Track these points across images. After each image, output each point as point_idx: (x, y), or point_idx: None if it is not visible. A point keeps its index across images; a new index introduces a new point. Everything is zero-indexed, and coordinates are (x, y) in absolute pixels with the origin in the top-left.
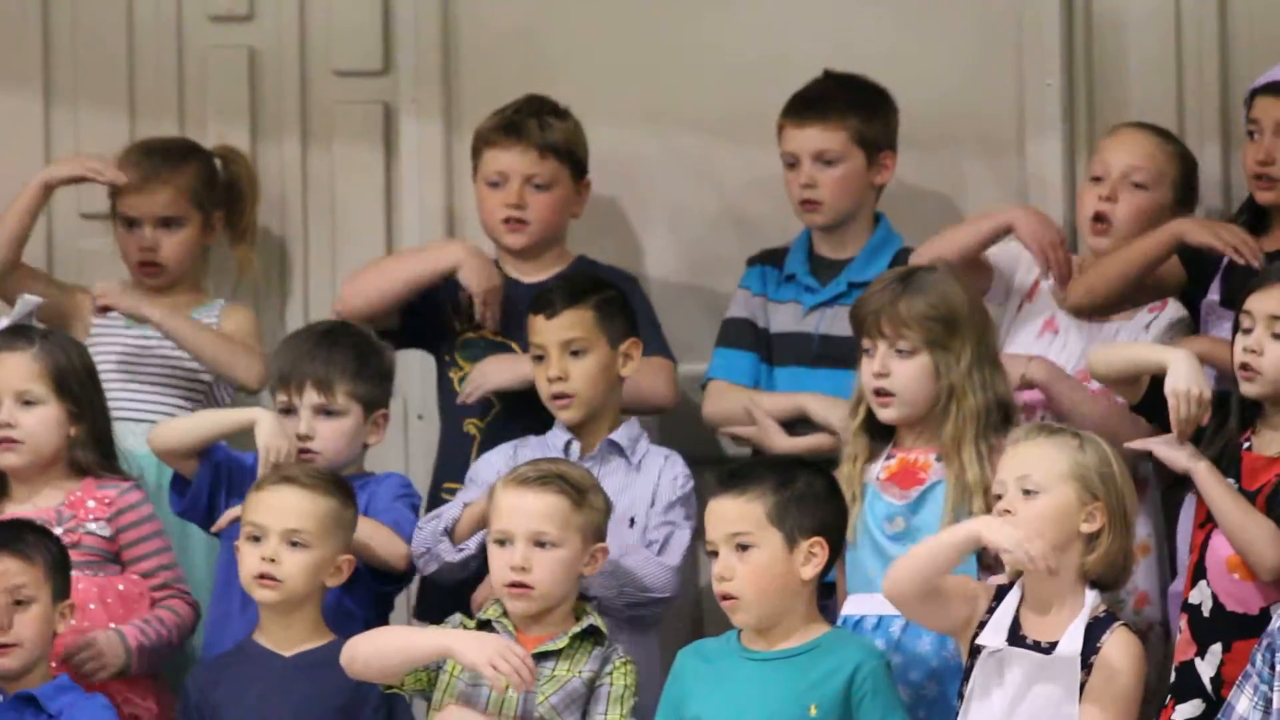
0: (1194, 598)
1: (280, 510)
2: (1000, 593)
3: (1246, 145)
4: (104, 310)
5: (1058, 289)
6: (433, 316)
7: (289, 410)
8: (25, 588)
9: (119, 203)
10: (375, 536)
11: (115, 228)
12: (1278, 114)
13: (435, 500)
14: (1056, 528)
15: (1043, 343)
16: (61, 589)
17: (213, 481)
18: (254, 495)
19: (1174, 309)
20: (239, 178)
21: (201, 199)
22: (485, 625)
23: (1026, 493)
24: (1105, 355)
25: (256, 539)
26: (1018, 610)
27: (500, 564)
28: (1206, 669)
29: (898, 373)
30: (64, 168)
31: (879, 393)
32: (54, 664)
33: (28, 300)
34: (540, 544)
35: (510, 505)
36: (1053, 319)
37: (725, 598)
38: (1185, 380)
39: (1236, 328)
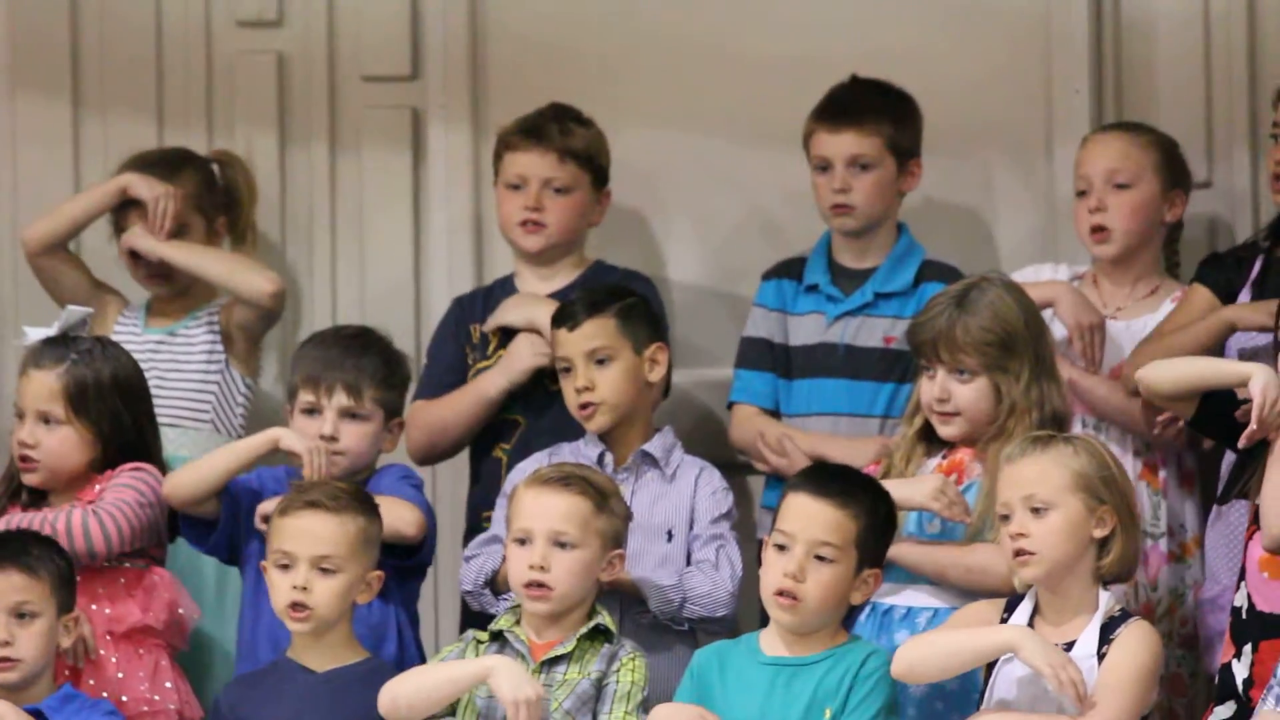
0: (1238, 600)
1: (308, 537)
2: (1010, 604)
3: (1270, 148)
4: (132, 256)
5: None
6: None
7: (313, 410)
8: (30, 603)
9: (122, 219)
10: (381, 506)
11: (120, 245)
12: None
13: (476, 529)
14: (1071, 541)
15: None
16: (66, 602)
17: (232, 515)
18: (279, 521)
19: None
20: (236, 181)
21: (203, 205)
22: (498, 636)
23: (1035, 511)
24: (1172, 372)
25: (285, 566)
26: (1032, 617)
27: (519, 563)
28: (1241, 670)
29: (958, 395)
30: (146, 188)
31: (941, 414)
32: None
33: (74, 311)
34: (560, 544)
35: (531, 504)
36: None
37: (785, 594)
38: (1275, 387)
39: (1277, 345)
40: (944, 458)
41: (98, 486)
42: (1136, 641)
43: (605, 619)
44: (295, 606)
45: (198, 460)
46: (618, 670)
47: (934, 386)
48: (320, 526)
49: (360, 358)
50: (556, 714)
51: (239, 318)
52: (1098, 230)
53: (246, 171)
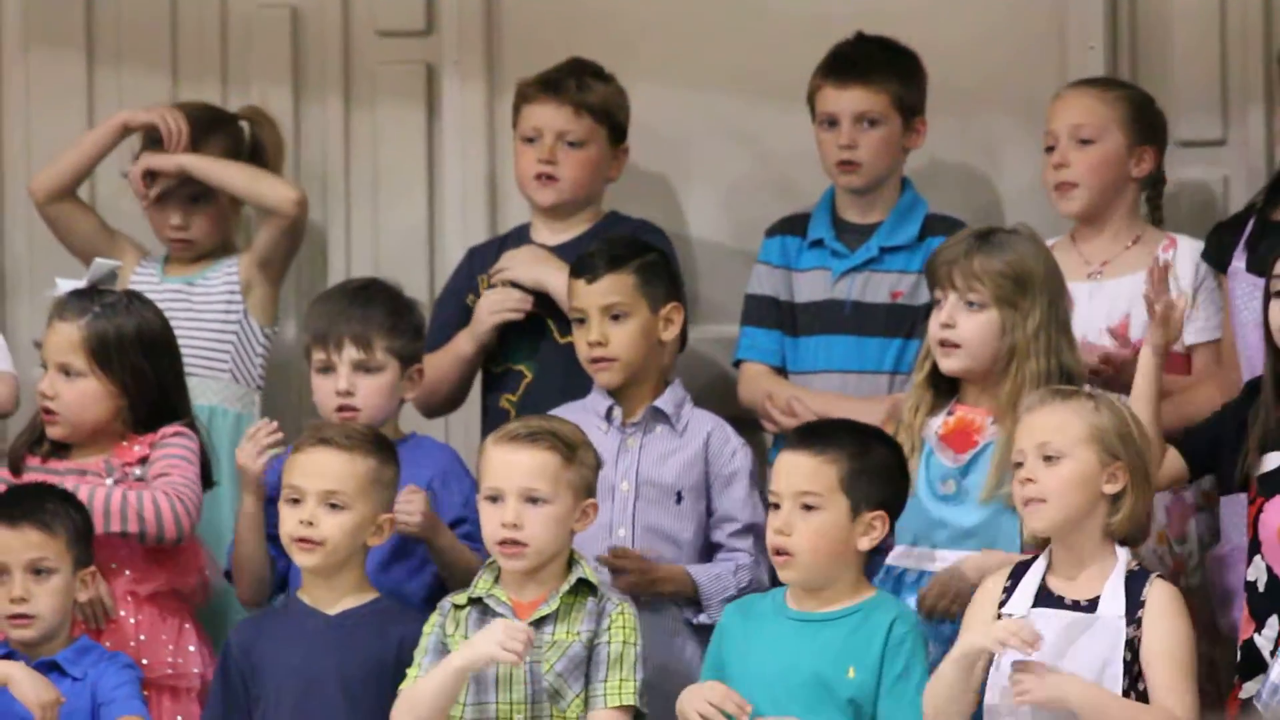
0: (1250, 574)
1: (317, 472)
2: (1017, 570)
3: (1278, 108)
4: (150, 177)
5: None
6: None
7: (328, 369)
8: (46, 559)
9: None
10: None
11: (145, 207)
12: None
13: None
14: (1080, 492)
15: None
16: (84, 557)
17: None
18: (292, 458)
19: (1190, 247)
20: (265, 139)
21: None
22: (476, 601)
23: (1047, 459)
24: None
25: (296, 501)
26: (1044, 578)
27: (492, 521)
28: (1265, 643)
29: (964, 325)
30: (144, 113)
31: (944, 343)
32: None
33: (101, 264)
34: (532, 500)
35: (501, 462)
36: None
37: (779, 552)
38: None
39: (1268, 296)
40: (950, 413)
41: (137, 448)
42: (1170, 620)
43: (585, 570)
44: (302, 540)
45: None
46: (608, 628)
47: (941, 313)
48: (330, 462)
49: (366, 308)
50: (549, 676)
51: (262, 242)
52: (1062, 186)
53: (275, 129)
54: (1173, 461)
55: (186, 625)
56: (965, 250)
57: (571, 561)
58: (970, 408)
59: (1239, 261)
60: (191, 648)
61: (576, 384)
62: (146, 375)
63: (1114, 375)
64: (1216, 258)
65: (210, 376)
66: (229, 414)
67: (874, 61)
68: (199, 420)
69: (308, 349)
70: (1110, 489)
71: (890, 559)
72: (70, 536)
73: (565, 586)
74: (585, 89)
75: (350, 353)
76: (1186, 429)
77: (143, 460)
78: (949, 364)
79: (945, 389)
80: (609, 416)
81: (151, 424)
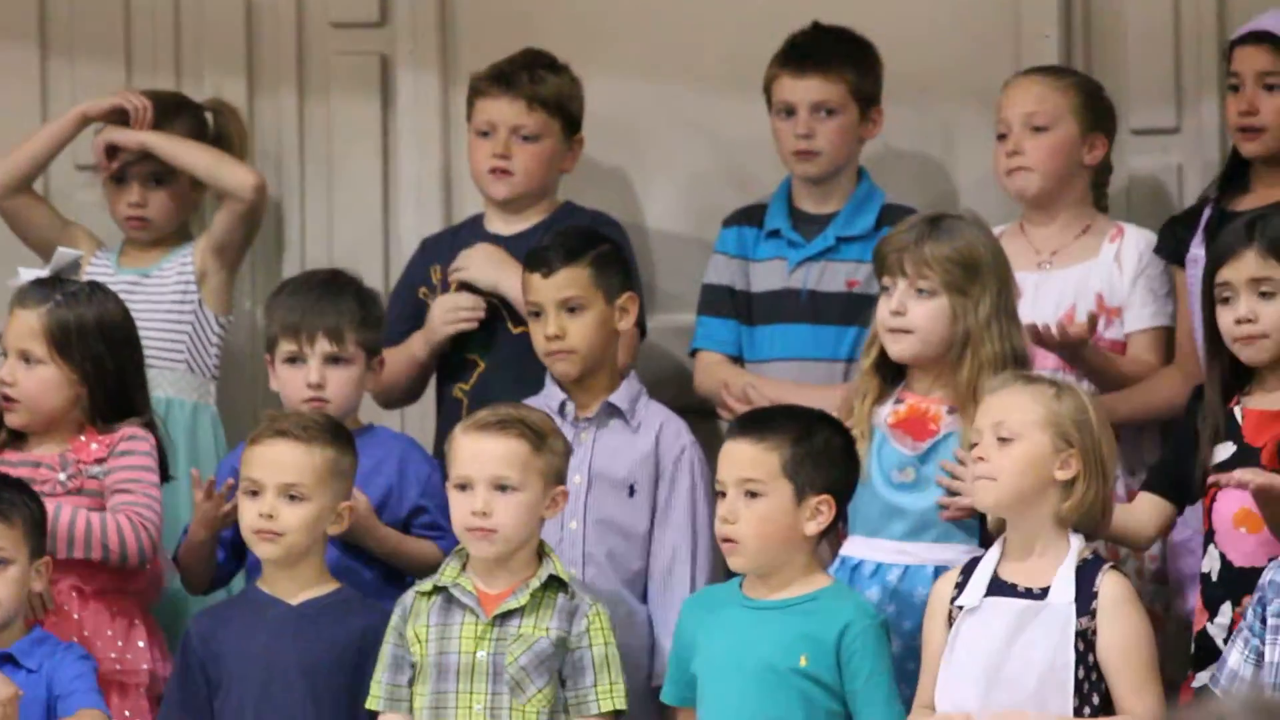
0: (1205, 564)
1: (275, 464)
2: (969, 566)
3: (1229, 98)
4: (111, 151)
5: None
6: None
7: (296, 359)
8: (4, 549)
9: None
10: None
11: (105, 183)
12: (1258, 64)
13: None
14: (1030, 474)
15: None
16: (38, 547)
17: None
18: (249, 450)
19: (1136, 235)
20: (229, 131)
21: None
22: (441, 590)
23: (1001, 440)
24: None
25: (254, 493)
26: (997, 567)
27: (461, 509)
28: (1218, 631)
29: (914, 312)
30: (104, 101)
31: (894, 329)
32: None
33: (64, 253)
34: (501, 488)
35: (470, 450)
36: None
37: (725, 540)
38: None
39: (1213, 301)
40: (899, 402)
41: (94, 445)
42: (1125, 618)
43: (556, 566)
44: (262, 532)
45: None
46: (587, 631)
47: (891, 300)
48: (288, 454)
49: (338, 301)
50: (512, 669)
51: (219, 227)
52: (1015, 171)
53: (239, 122)
54: (1152, 506)
55: (136, 621)
56: (916, 237)
57: (541, 554)
58: (921, 396)
59: (1198, 249)
60: (141, 643)
61: (530, 374)
62: (106, 365)
63: (1059, 348)
64: (1172, 250)
65: (166, 367)
66: (186, 405)
67: (831, 51)
68: (157, 415)
69: (273, 339)
70: (1062, 475)
71: (846, 549)
72: (27, 526)
73: (537, 583)
74: (538, 82)
75: (324, 345)
76: (1151, 471)
77: (99, 460)
78: (899, 350)
79: (892, 377)
80: (562, 411)
81: (110, 415)
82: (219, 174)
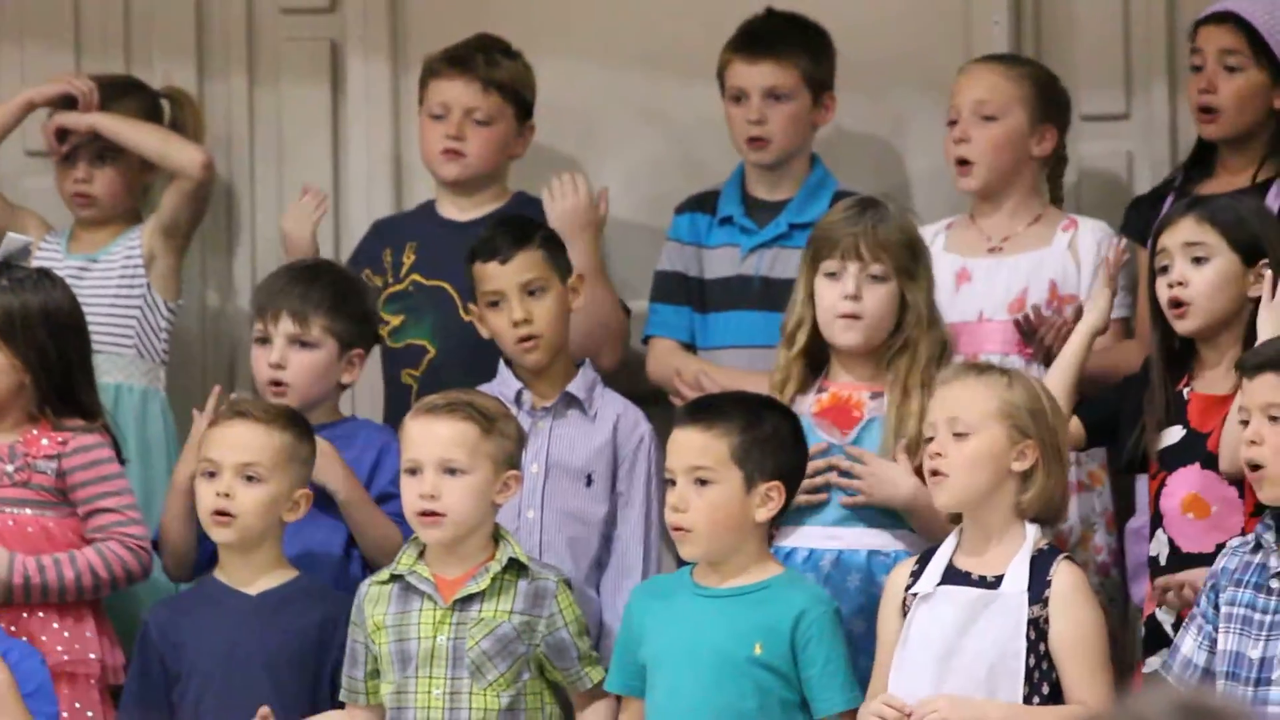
0: (1152, 549)
1: (233, 445)
2: (926, 554)
3: (1190, 79)
4: (60, 133)
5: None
6: None
7: (265, 340)
8: None
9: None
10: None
11: (55, 164)
12: (1220, 42)
13: None
14: (985, 469)
15: (962, 295)
16: None
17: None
18: (208, 432)
19: (1091, 226)
20: (184, 119)
21: None
22: (398, 579)
23: (957, 435)
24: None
25: (211, 474)
26: (953, 556)
27: (411, 493)
28: (1167, 617)
29: (869, 297)
30: (50, 87)
31: (846, 316)
32: None
33: (14, 239)
34: (450, 471)
35: (419, 434)
36: (964, 269)
37: (676, 528)
38: None
39: (1153, 272)
40: (821, 390)
41: (45, 441)
42: (1078, 609)
43: (514, 549)
44: (218, 514)
45: None
46: (560, 613)
47: (846, 284)
48: (247, 435)
49: (309, 285)
50: (473, 653)
51: (167, 207)
52: (962, 163)
53: (195, 109)
54: (1070, 428)
55: (85, 612)
56: (868, 221)
57: (498, 539)
58: (844, 384)
59: None
60: (89, 634)
61: (481, 359)
62: (50, 354)
63: (1033, 331)
64: (1138, 230)
65: (115, 353)
66: (135, 390)
67: (783, 37)
68: (105, 410)
69: (252, 321)
70: (1019, 466)
71: (779, 540)
72: None
73: (497, 566)
74: (494, 65)
75: (286, 325)
76: (1086, 398)
77: (49, 457)
78: (850, 337)
79: (815, 366)
80: (518, 400)
81: (58, 406)
82: (167, 152)
